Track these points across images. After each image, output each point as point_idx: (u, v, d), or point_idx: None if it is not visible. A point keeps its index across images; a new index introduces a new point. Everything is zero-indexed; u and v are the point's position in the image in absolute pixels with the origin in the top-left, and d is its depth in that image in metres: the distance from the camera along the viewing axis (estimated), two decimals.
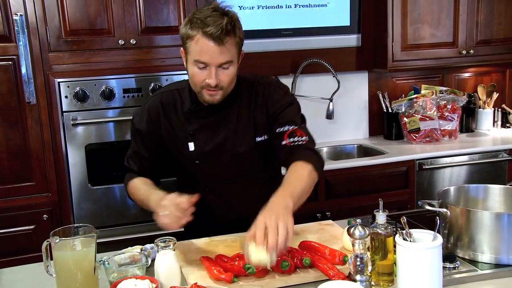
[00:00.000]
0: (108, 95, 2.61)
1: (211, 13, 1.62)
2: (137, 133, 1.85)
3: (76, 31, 2.56)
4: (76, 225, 1.47)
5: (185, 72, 2.63)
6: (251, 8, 3.24)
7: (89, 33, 2.59)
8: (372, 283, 1.44)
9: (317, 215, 2.95)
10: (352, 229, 1.42)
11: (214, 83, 1.64)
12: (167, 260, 1.42)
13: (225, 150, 1.80)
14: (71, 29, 2.55)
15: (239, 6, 3.20)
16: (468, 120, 3.68)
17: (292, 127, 1.72)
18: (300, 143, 1.70)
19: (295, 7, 3.26)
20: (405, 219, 1.42)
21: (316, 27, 3.38)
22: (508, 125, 3.81)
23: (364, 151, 3.49)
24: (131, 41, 2.62)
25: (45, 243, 1.43)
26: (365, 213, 2.81)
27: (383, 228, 1.44)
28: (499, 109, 3.79)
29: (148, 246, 1.64)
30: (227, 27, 1.60)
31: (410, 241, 1.39)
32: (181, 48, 1.74)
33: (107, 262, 1.48)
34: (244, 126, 1.80)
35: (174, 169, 1.93)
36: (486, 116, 3.72)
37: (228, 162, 1.81)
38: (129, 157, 1.89)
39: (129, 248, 1.64)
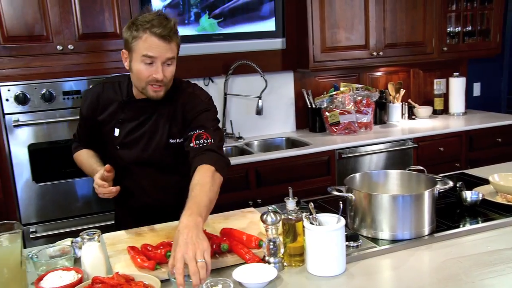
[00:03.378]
0: (49, 97, 2.47)
1: (155, 17, 1.61)
2: (81, 114, 1.89)
3: (15, 37, 2.42)
4: (1, 222, 1.36)
5: (120, 74, 2.58)
6: None
7: (28, 40, 2.44)
8: (285, 264, 1.42)
9: (249, 202, 2.91)
10: (265, 215, 1.39)
11: (161, 76, 1.62)
12: (92, 252, 1.34)
13: (142, 142, 1.79)
14: (9, 36, 2.40)
15: (163, 7, 3.08)
16: (381, 113, 3.74)
17: (200, 130, 1.67)
18: (205, 145, 1.63)
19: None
20: (313, 205, 1.40)
21: (245, 32, 3.34)
22: (413, 117, 3.91)
23: (291, 143, 3.48)
24: (69, 46, 2.49)
25: None
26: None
27: (293, 214, 1.41)
28: (406, 103, 3.88)
29: (78, 239, 1.54)
30: (174, 28, 1.64)
31: (317, 224, 1.37)
32: (123, 50, 1.69)
33: (35, 256, 1.38)
34: (162, 126, 1.77)
35: (102, 151, 1.91)
36: (396, 110, 3.79)
37: (143, 153, 1.79)
38: (77, 130, 1.96)
39: (60, 241, 1.55)
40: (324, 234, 1.33)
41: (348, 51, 3.40)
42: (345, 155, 3.16)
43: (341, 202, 1.42)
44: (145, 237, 1.60)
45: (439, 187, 1.58)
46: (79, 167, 1.92)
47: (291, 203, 1.42)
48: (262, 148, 3.43)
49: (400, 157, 3.34)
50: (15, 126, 2.43)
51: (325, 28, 3.29)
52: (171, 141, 1.77)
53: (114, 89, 1.80)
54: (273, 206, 1.43)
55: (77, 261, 1.45)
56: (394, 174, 1.74)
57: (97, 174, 1.65)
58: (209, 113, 1.74)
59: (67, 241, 1.53)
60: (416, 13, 3.54)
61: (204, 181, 1.48)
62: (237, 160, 2.87)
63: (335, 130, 3.42)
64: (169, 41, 1.61)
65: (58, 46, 2.47)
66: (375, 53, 3.46)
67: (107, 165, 1.63)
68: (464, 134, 3.52)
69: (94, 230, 1.36)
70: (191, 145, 1.65)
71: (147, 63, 1.62)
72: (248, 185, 2.93)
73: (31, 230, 2.55)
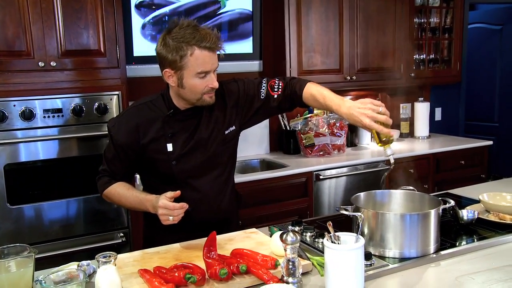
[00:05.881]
0: (29, 115, 2.36)
1: (194, 29, 1.63)
2: (116, 143, 1.77)
3: None
4: (10, 245, 1.27)
5: (101, 93, 2.50)
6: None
7: (7, 55, 2.33)
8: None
9: None
10: (285, 235, 1.38)
11: (217, 85, 1.69)
12: (108, 275, 1.27)
13: (200, 148, 1.78)
14: None
15: (142, 24, 3.07)
16: (352, 136, 3.83)
17: (264, 84, 1.84)
18: (282, 85, 1.85)
19: None
20: (331, 224, 1.40)
21: (223, 53, 3.34)
22: None
23: (267, 165, 3.49)
24: (51, 63, 2.39)
25: None
26: (271, 220, 2.82)
27: None
28: None
29: (84, 262, 1.47)
30: (217, 36, 1.67)
31: (338, 243, 1.37)
32: (166, 70, 1.67)
33: (44, 281, 1.29)
34: (213, 123, 1.80)
35: (149, 173, 1.85)
36: (366, 132, 3.89)
37: (202, 158, 1.79)
38: (108, 161, 1.81)
39: (64, 265, 1.46)
40: (346, 253, 1.33)
41: (323, 74, 3.48)
42: (322, 177, 3.20)
43: (358, 222, 1.43)
44: (151, 259, 1.54)
45: (442, 206, 1.63)
46: (113, 202, 1.82)
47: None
48: (239, 170, 3.41)
49: (373, 178, 3.42)
50: None
51: (302, 51, 3.36)
52: (226, 132, 1.82)
53: (150, 109, 1.77)
54: (290, 226, 1.42)
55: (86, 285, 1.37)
56: (397, 194, 1.79)
57: (162, 200, 1.57)
58: (249, 79, 1.89)
59: (73, 265, 1.45)
60: (386, 40, 3.69)
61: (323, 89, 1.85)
62: None
63: (310, 152, 3.47)
64: (215, 50, 1.65)
65: (39, 63, 2.37)
66: (348, 77, 3.56)
67: (177, 191, 1.58)
68: (432, 157, 3.67)
69: (111, 252, 1.30)
70: (275, 97, 1.83)
71: (202, 77, 1.65)
72: None
73: None
